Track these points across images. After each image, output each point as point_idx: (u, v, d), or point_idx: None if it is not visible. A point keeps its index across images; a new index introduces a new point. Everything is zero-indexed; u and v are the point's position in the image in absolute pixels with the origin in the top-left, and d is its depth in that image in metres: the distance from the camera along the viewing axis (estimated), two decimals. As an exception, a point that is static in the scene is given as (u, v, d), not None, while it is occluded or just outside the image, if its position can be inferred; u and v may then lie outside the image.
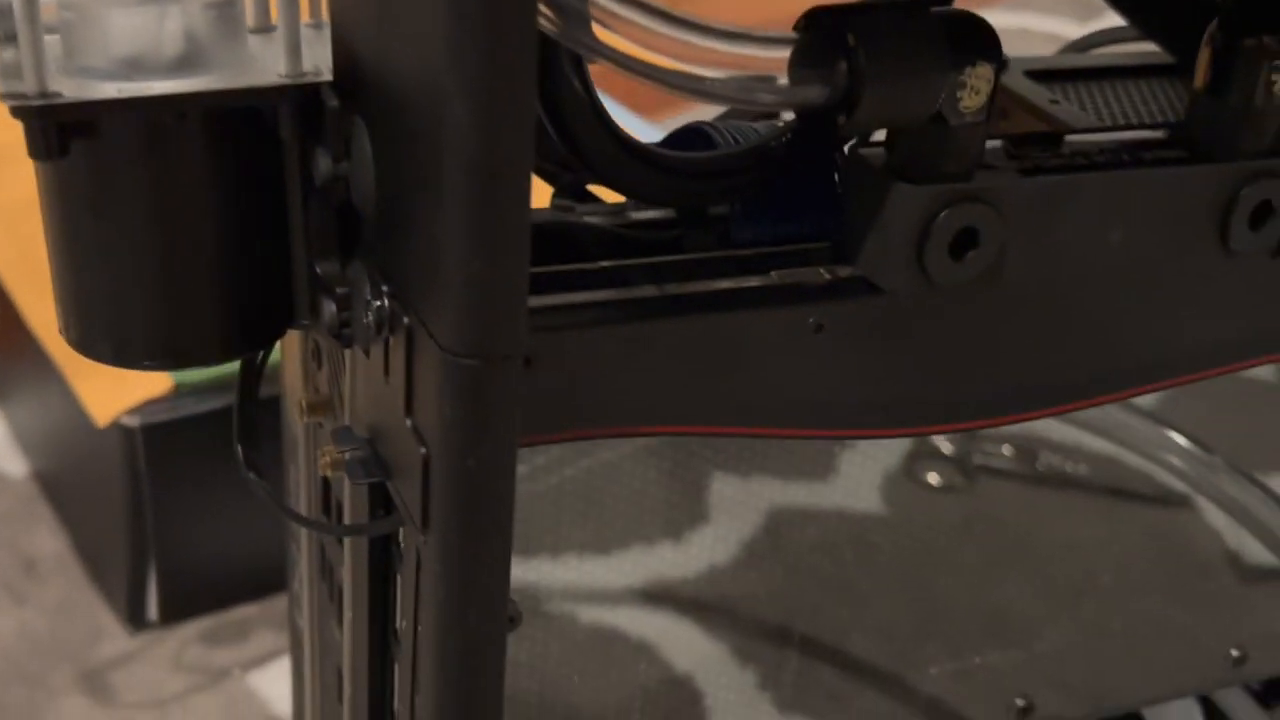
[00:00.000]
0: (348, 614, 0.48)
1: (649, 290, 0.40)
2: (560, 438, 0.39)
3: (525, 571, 0.43)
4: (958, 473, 0.49)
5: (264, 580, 0.88)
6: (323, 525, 0.49)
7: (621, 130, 0.40)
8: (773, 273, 0.42)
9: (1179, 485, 0.54)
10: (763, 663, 0.48)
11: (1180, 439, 0.53)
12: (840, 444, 0.46)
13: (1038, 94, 0.55)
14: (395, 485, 0.39)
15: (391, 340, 0.37)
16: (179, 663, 0.85)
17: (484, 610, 0.37)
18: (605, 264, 0.41)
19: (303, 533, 0.56)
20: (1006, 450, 0.49)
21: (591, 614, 0.45)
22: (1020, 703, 0.53)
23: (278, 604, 0.88)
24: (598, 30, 0.35)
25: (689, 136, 0.45)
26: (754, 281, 0.41)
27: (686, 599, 0.46)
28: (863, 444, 0.47)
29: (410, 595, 0.42)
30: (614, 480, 0.42)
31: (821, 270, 0.42)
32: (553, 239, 0.42)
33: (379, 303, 0.36)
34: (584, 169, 0.40)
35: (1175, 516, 0.54)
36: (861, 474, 0.47)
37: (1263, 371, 0.53)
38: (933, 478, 0.48)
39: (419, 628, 0.41)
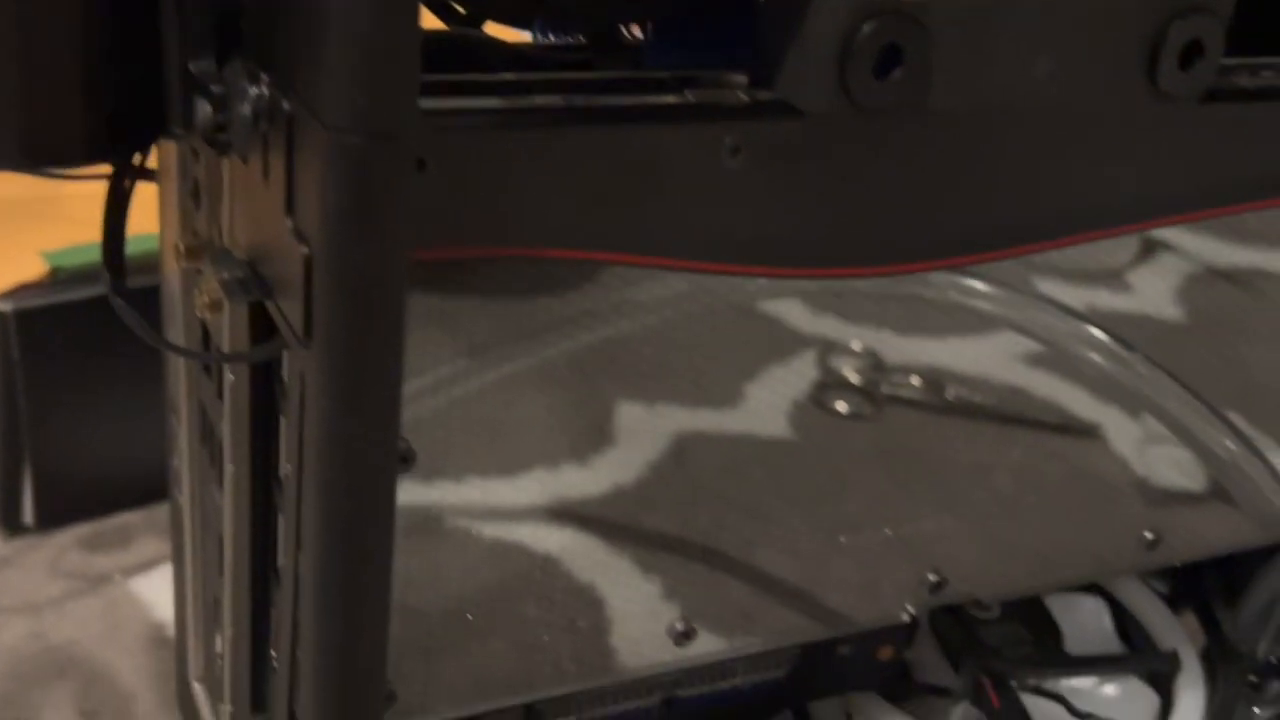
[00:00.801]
0: (228, 468, 0.45)
1: (553, 101, 0.38)
2: (452, 252, 0.36)
3: (426, 491, 0.40)
4: (866, 402, 0.47)
5: (148, 486, 0.84)
6: (201, 354, 0.46)
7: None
8: (687, 91, 0.39)
9: (1089, 415, 0.52)
10: (667, 575, 0.45)
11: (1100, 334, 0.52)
12: (746, 374, 0.44)
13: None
14: (277, 305, 0.36)
15: (271, 136, 0.34)
16: (56, 568, 0.81)
17: (372, 436, 0.35)
18: (508, 76, 0.38)
19: (181, 399, 0.53)
20: (915, 381, 0.47)
21: (493, 531, 0.42)
22: (933, 578, 0.51)
23: (162, 511, 0.84)
24: None
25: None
26: (668, 99, 0.39)
27: (590, 517, 0.44)
28: (769, 373, 0.45)
29: (294, 433, 0.40)
30: (515, 405, 0.40)
31: (739, 92, 0.40)
32: (452, 52, 0.39)
33: (257, 90, 0.33)
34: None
35: (1084, 444, 0.53)
36: (769, 402, 0.44)
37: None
38: (841, 406, 0.46)
39: (303, 470, 0.38)
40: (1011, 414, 0.51)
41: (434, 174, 0.35)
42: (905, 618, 0.51)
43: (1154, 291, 0.51)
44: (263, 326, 0.39)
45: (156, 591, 0.80)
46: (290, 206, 0.33)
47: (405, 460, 0.39)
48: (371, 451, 0.35)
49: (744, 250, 0.40)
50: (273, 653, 0.46)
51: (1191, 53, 0.42)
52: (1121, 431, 0.54)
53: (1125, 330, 0.52)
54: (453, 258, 0.37)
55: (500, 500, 0.43)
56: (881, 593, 0.51)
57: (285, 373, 0.40)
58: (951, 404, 0.49)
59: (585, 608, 0.46)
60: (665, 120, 0.38)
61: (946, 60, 0.39)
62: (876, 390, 0.48)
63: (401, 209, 0.31)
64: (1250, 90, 0.46)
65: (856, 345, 0.46)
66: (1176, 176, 0.46)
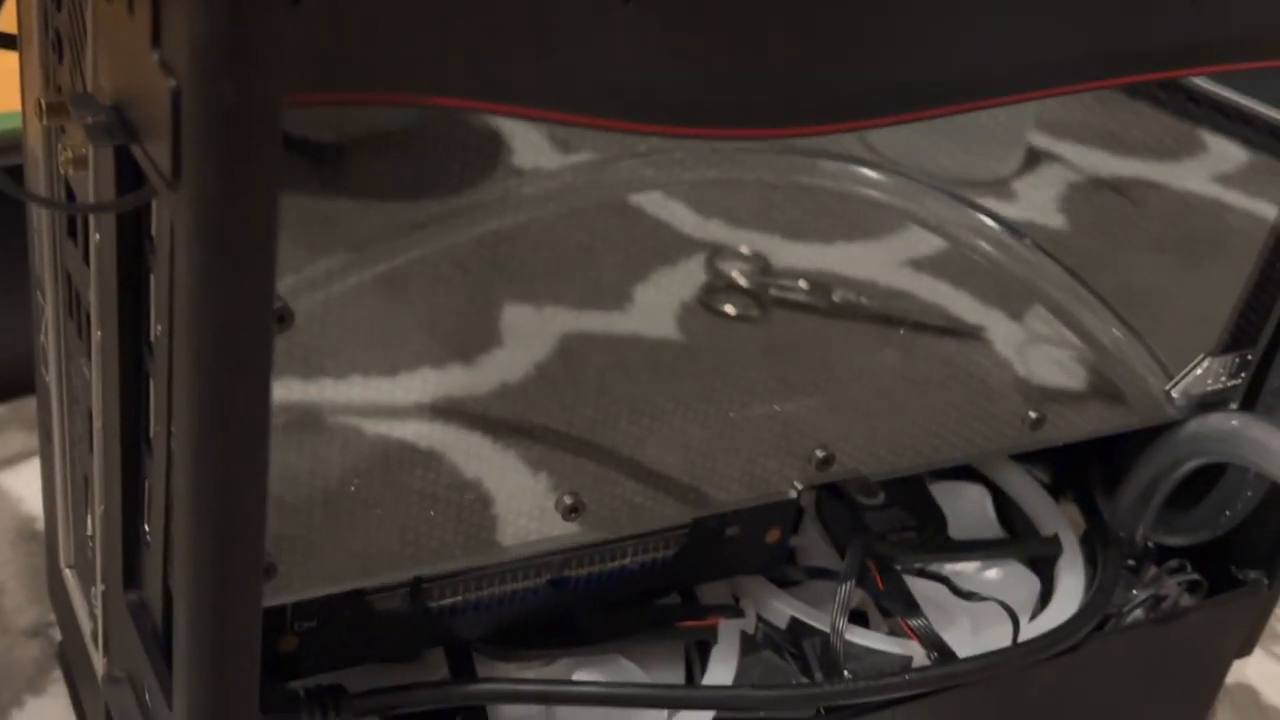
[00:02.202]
0: (96, 335, 0.43)
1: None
2: (329, 98, 0.34)
3: (306, 389, 0.39)
4: (754, 304, 0.46)
5: (14, 379, 0.81)
6: (66, 205, 0.44)
7: None
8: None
9: (975, 317, 0.53)
10: (555, 472, 0.45)
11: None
12: (635, 274, 0.43)
13: None
14: (144, 148, 0.34)
15: (136, -38, 0.32)
16: (-84, 462, 0.78)
17: (246, 286, 0.33)
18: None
19: (46, 272, 0.50)
20: (802, 284, 0.46)
21: (377, 428, 0.41)
22: (820, 453, 0.51)
23: (28, 405, 0.82)
24: None
25: None
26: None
27: (476, 414, 0.43)
28: (656, 276, 0.44)
29: (164, 290, 0.38)
30: (398, 305, 0.38)
31: None
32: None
33: (120, -88, 0.31)
34: None
35: (970, 342, 0.53)
36: (657, 303, 0.44)
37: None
38: (729, 308, 0.46)
39: (174, 330, 0.36)
40: (897, 315, 0.50)
41: (310, 8, 0.33)
42: (792, 494, 0.51)
43: (1041, 198, 0.51)
44: (130, 178, 0.37)
45: (25, 485, 0.77)
46: (157, 38, 0.31)
47: (282, 320, 0.37)
48: (245, 304, 0.33)
49: (637, 106, 0.39)
50: (145, 528, 0.44)
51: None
52: (1007, 327, 0.54)
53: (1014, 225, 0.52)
54: (330, 103, 0.35)
55: (385, 397, 0.42)
56: (768, 469, 0.50)
57: (154, 227, 0.38)
58: (838, 306, 0.49)
59: (472, 490, 0.45)
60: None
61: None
62: (764, 293, 0.47)
63: (274, 37, 0.29)
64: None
65: (744, 249, 0.46)
66: (1060, 45, 0.45)
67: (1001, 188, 0.50)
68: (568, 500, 0.46)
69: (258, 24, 0.29)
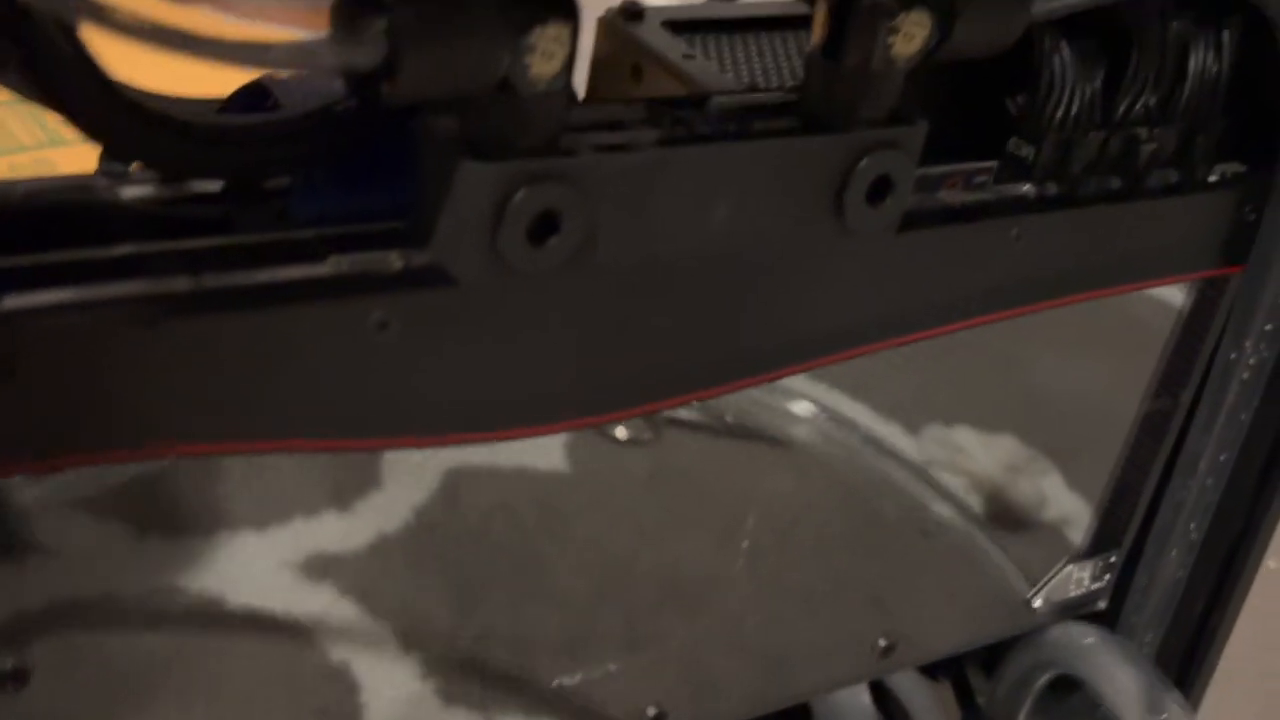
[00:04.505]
0: None
1: (180, 283, 0.34)
2: (51, 465, 0.33)
3: (173, 550, 0.37)
4: (646, 426, 0.45)
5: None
6: None
7: (135, 93, 0.34)
8: (332, 258, 0.36)
9: (865, 445, 0.51)
10: (427, 648, 0.43)
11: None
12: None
13: (673, 48, 0.51)
14: None
15: None
16: None
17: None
18: (130, 250, 0.35)
19: None
20: (694, 401, 0.45)
21: (241, 596, 0.39)
22: (652, 711, 0.50)
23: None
24: None
25: (252, 95, 0.39)
26: (308, 270, 0.36)
27: (349, 575, 0.41)
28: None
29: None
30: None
31: (392, 256, 0.37)
32: (68, 219, 0.36)
33: None
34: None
35: (811, 567, 0.51)
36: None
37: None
38: (620, 431, 0.44)
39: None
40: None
41: (29, 383, 0.32)
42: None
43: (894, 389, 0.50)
44: None
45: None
46: None
47: (17, 679, 0.36)
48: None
49: (397, 420, 0.38)
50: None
51: (881, 188, 0.41)
52: (853, 537, 0.52)
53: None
54: (61, 468, 0.33)
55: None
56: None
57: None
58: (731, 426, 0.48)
59: (339, 698, 0.44)
60: (303, 299, 0.35)
61: (610, 220, 0.37)
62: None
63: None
64: (954, 210, 0.45)
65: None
66: (878, 304, 0.44)
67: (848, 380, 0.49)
68: None
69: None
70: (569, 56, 0.34)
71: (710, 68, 0.49)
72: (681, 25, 0.52)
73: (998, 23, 0.39)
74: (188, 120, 0.35)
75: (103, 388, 0.33)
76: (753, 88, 0.51)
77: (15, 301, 0.32)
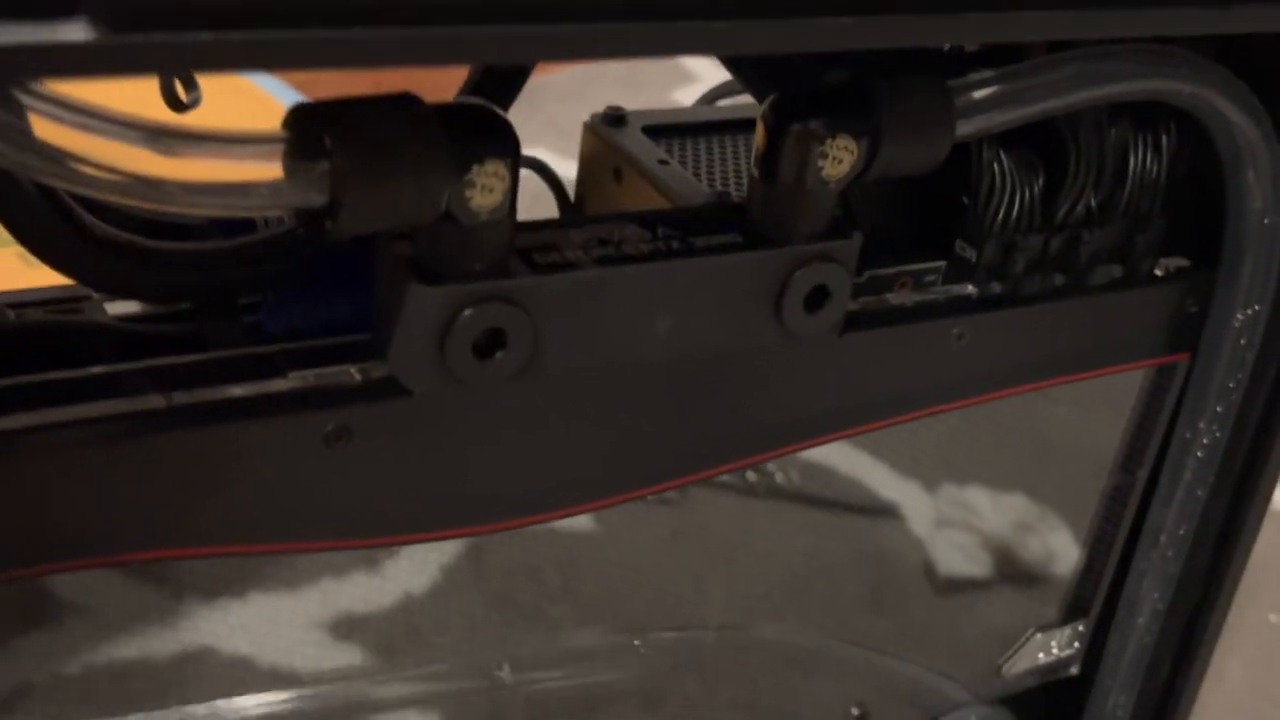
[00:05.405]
0: None
1: (149, 400, 0.37)
2: (34, 574, 0.36)
3: (197, 611, 0.40)
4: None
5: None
6: None
7: (103, 229, 0.37)
8: (291, 374, 0.39)
9: (886, 495, 0.53)
10: (451, 711, 0.46)
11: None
12: None
13: (650, 153, 0.53)
14: None
15: None
16: None
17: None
18: (100, 370, 0.38)
19: None
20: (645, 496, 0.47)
21: (270, 658, 0.42)
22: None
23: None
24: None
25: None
26: (269, 385, 0.38)
27: (376, 636, 0.44)
28: None
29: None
30: None
31: (352, 369, 0.40)
32: (46, 342, 0.38)
33: None
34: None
35: (875, 526, 0.53)
36: None
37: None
38: None
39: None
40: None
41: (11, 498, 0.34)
42: None
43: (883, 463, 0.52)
44: None
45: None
46: None
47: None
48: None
49: (363, 522, 0.40)
50: None
51: (819, 297, 0.43)
52: (828, 603, 0.54)
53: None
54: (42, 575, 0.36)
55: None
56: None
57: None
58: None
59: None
60: (260, 414, 0.38)
61: (556, 334, 0.39)
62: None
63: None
64: (898, 310, 0.47)
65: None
66: (825, 398, 0.46)
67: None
68: None
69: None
70: (509, 189, 0.37)
71: (681, 173, 0.52)
72: (659, 130, 0.54)
73: (923, 146, 0.41)
74: (152, 250, 0.37)
75: (80, 501, 0.36)
76: (722, 190, 0.53)
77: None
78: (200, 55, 0.24)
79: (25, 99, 0.29)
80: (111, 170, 0.32)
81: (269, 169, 0.34)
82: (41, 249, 0.35)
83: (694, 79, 1.24)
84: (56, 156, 0.31)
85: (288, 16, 0.24)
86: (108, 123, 0.31)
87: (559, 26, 0.28)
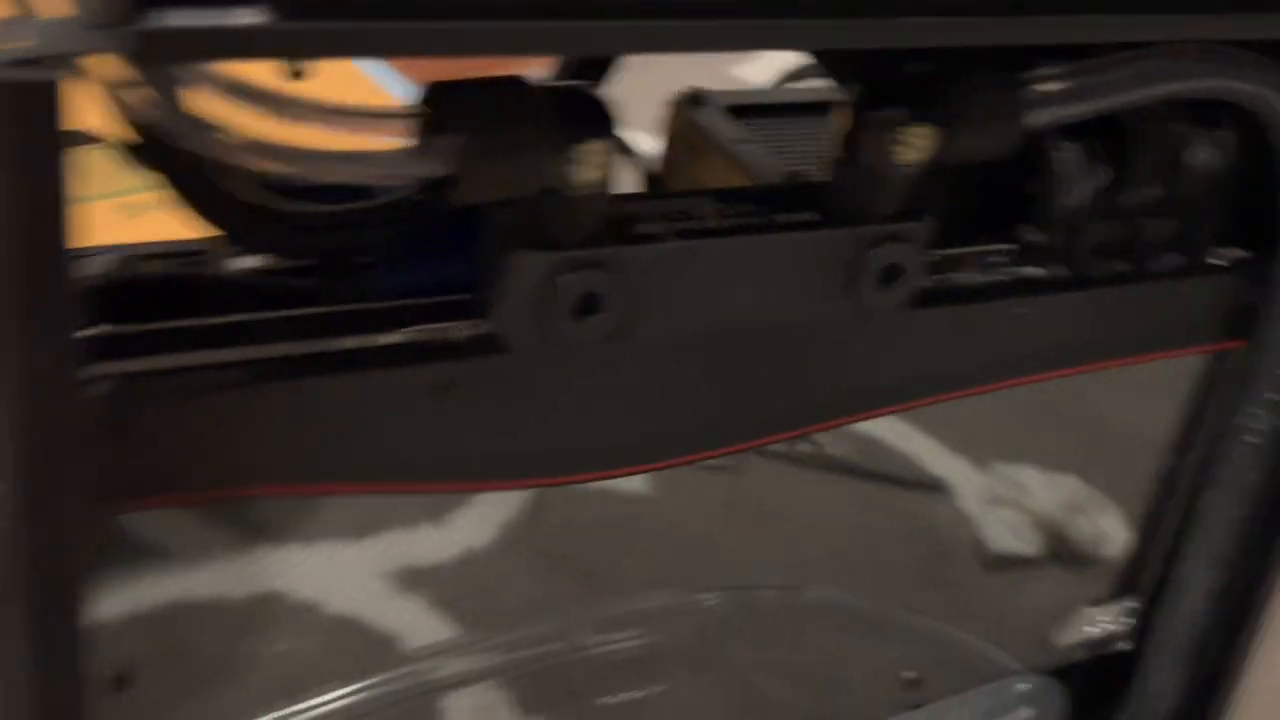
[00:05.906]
0: None
1: (275, 349, 0.41)
2: (160, 502, 0.39)
3: (272, 561, 0.43)
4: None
5: None
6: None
7: (238, 187, 0.40)
8: (402, 329, 0.42)
9: (934, 469, 0.56)
10: (506, 657, 0.49)
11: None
12: None
13: (728, 132, 0.56)
14: None
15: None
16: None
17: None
18: (224, 320, 0.41)
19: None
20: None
21: (337, 604, 0.45)
22: None
23: None
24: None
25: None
26: (383, 338, 0.42)
27: (437, 587, 0.47)
28: None
29: None
30: None
31: (458, 325, 0.43)
32: (178, 294, 0.42)
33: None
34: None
35: (926, 502, 0.56)
36: None
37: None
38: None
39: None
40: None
41: (141, 435, 0.38)
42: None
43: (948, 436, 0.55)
44: None
45: None
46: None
47: (121, 682, 0.42)
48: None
49: (462, 467, 0.44)
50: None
51: (892, 273, 0.46)
52: (884, 572, 0.57)
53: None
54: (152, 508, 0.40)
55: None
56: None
57: None
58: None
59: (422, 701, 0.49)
60: (376, 365, 0.41)
61: (644, 300, 0.43)
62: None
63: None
64: (969, 289, 0.50)
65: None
66: (893, 371, 0.49)
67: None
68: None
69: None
70: (607, 165, 0.40)
71: (759, 151, 0.55)
72: (739, 110, 0.57)
73: (994, 135, 0.44)
74: (288, 211, 0.41)
75: (207, 439, 0.39)
76: (797, 168, 0.56)
77: (136, 365, 0.38)
78: (359, 41, 0.27)
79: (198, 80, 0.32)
80: (260, 142, 0.36)
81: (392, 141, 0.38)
82: (201, 210, 0.38)
83: (752, 56, 1.27)
84: (215, 128, 0.35)
85: (436, 8, 0.28)
86: (260, 100, 0.34)
87: (686, 22, 0.31)
